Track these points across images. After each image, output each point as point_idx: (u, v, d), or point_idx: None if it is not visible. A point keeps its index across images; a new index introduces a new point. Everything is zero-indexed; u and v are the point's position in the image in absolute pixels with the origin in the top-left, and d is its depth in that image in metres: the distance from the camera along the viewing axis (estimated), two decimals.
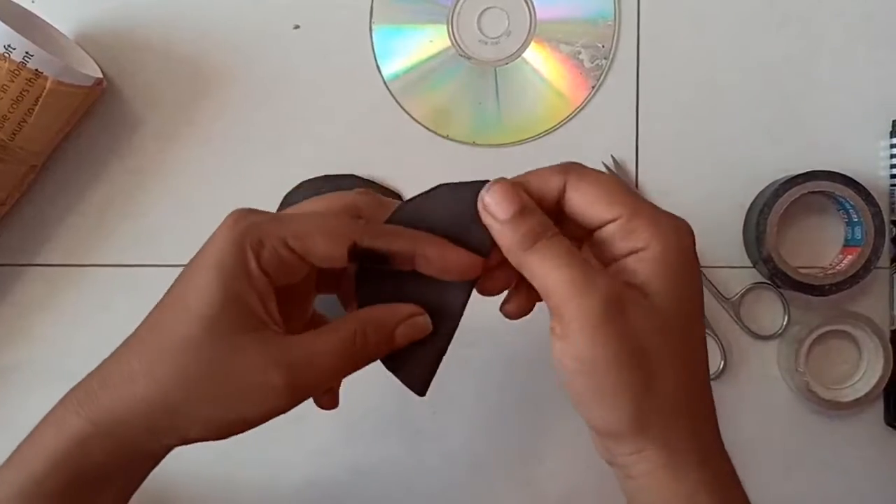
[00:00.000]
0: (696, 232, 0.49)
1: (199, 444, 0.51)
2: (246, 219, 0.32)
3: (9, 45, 0.44)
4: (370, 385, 0.52)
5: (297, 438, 0.52)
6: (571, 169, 0.32)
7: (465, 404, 0.51)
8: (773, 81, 0.50)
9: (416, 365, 0.35)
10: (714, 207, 0.50)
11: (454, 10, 0.51)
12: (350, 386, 0.52)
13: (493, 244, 0.33)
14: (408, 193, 0.51)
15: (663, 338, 0.30)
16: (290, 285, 0.34)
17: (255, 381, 0.30)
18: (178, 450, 0.52)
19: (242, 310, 0.31)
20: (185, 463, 0.52)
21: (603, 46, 0.50)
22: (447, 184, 0.35)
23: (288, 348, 0.31)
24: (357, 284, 0.35)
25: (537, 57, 0.51)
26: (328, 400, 0.37)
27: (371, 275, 0.35)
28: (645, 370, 0.29)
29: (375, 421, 0.52)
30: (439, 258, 0.33)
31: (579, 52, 0.50)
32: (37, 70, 0.45)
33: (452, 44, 0.51)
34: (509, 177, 0.33)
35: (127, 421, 0.30)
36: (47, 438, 0.31)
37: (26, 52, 0.44)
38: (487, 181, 0.33)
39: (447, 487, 0.51)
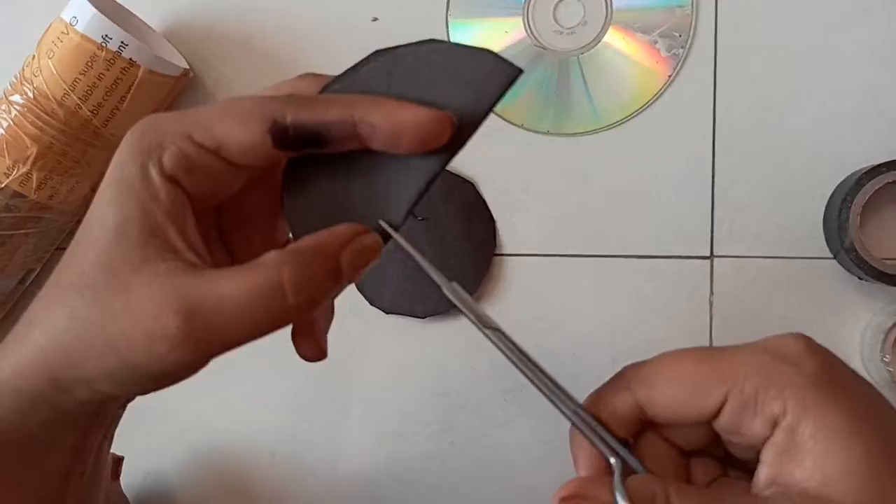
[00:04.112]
0: (774, 222, 0.49)
1: (268, 424, 0.53)
2: (147, 122, 0.26)
3: (106, 35, 0.46)
4: (440, 371, 0.53)
5: (366, 423, 0.53)
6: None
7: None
8: (855, 69, 0.49)
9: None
10: (794, 197, 0.49)
11: (530, 2, 0.51)
12: (420, 372, 0.53)
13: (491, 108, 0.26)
14: (481, 182, 0.52)
15: None
16: (233, 205, 0.28)
17: (146, 326, 0.24)
18: (248, 429, 0.54)
19: (143, 233, 0.25)
20: (255, 442, 0.54)
21: (680, 35, 0.50)
22: (420, 43, 0.27)
23: (192, 287, 0.24)
24: (284, 187, 0.28)
25: (617, 42, 0.51)
26: (307, 346, 0.30)
27: (303, 171, 0.28)
28: None
29: (445, 408, 0.52)
30: (386, 120, 0.25)
31: (656, 42, 0.50)
32: (131, 59, 0.47)
33: (528, 34, 0.51)
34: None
35: (26, 373, 0.26)
36: None
37: (122, 42, 0.46)
38: (479, 48, 0.26)
39: (515, 476, 0.52)
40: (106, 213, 0.25)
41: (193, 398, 0.55)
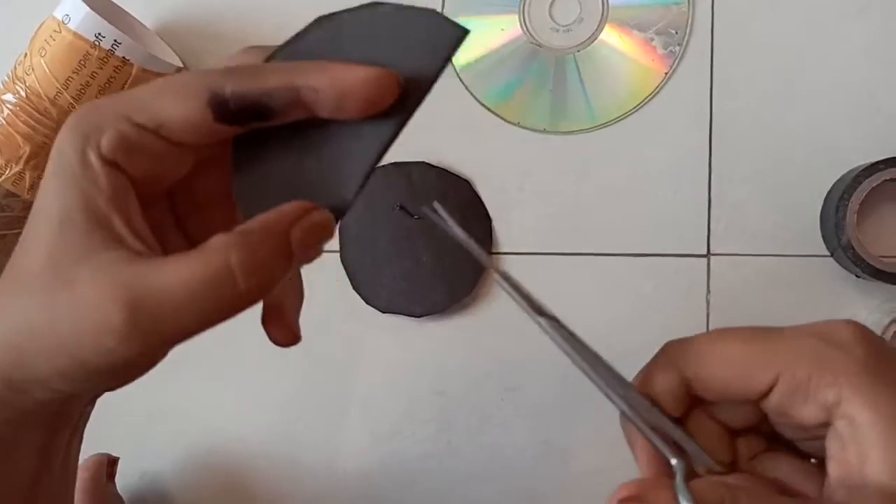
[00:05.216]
0: (771, 220, 0.49)
1: (265, 424, 0.53)
2: (85, 106, 0.25)
3: (99, 34, 0.45)
4: (437, 371, 0.52)
5: (363, 423, 0.53)
6: None
7: (534, 391, 0.51)
8: (852, 67, 0.49)
9: None
10: (791, 194, 0.49)
11: (525, 0, 0.51)
12: (417, 372, 0.53)
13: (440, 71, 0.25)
14: (477, 180, 0.52)
15: None
16: (186, 189, 0.27)
17: (92, 320, 0.23)
18: (245, 429, 0.54)
19: (86, 222, 0.24)
20: (251, 442, 0.54)
21: (676, 33, 0.50)
22: (362, 7, 0.26)
23: (136, 277, 0.23)
24: (233, 166, 0.27)
25: (613, 40, 0.51)
26: (278, 331, 0.29)
27: (251, 148, 0.27)
28: None
29: (442, 408, 0.52)
30: (330, 82, 0.24)
31: (652, 39, 0.50)
32: (124, 58, 0.46)
33: (524, 32, 0.51)
34: None
35: None
36: None
37: (115, 41, 0.46)
38: (425, 9, 0.25)
39: (513, 475, 0.51)
40: (49, 205, 0.24)
41: (190, 398, 0.54)
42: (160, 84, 0.25)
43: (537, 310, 0.26)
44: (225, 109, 0.24)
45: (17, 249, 0.25)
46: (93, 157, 0.24)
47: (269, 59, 0.27)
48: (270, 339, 0.29)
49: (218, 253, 0.23)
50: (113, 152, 0.24)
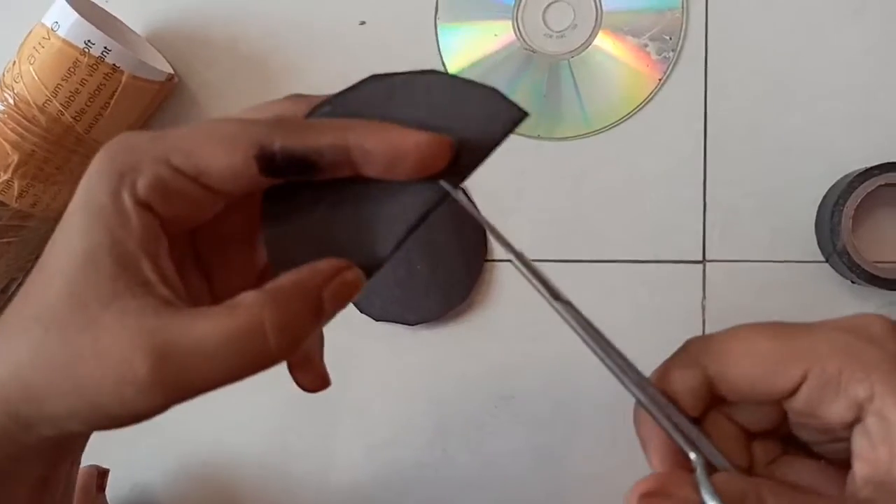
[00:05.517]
0: (766, 226, 0.49)
1: (256, 434, 0.52)
2: (119, 142, 0.24)
3: (89, 41, 0.45)
4: (432, 379, 0.52)
5: (356, 432, 0.52)
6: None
7: (529, 399, 0.51)
8: (847, 71, 0.49)
9: None
10: (786, 200, 0.49)
11: (519, 6, 0.51)
12: (411, 380, 0.52)
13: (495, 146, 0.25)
14: (471, 186, 0.51)
15: None
16: (211, 227, 0.27)
17: (115, 369, 0.22)
18: (236, 439, 0.53)
19: (113, 265, 0.23)
20: (243, 453, 0.53)
21: (670, 38, 0.49)
22: (410, 73, 0.26)
23: (164, 329, 0.22)
24: (264, 214, 0.26)
25: (607, 46, 0.50)
26: (308, 378, 0.29)
27: (285, 198, 0.26)
28: None
29: (437, 416, 0.52)
30: (383, 144, 0.24)
31: (646, 45, 0.50)
32: (114, 65, 0.46)
33: (517, 38, 0.51)
34: None
35: None
36: None
37: (104, 48, 0.45)
38: (484, 85, 0.25)
39: (508, 483, 0.51)
40: (73, 241, 0.24)
41: (181, 409, 0.53)
42: (204, 130, 0.24)
43: (553, 294, 0.26)
44: (271, 163, 0.24)
45: (30, 281, 0.24)
46: (126, 198, 0.23)
47: (314, 109, 0.26)
48: (298, 384, 0.29)
49: (249, 310, 0.23)
50: (148, 195, 0.24)
